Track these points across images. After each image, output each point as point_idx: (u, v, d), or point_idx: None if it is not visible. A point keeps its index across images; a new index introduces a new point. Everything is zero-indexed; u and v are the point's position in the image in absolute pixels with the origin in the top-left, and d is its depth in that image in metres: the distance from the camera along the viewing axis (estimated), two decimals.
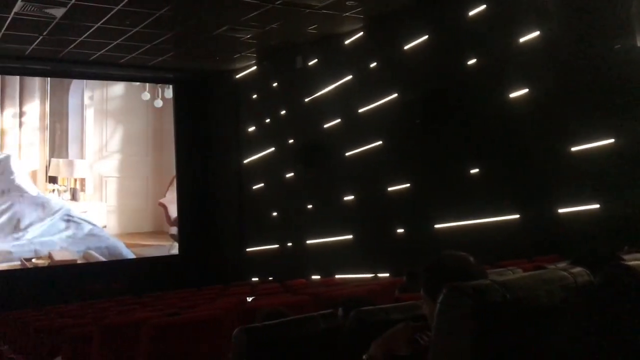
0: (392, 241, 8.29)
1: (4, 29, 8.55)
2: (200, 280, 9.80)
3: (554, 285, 1.20)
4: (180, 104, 12.47)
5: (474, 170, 7.22)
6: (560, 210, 6.33)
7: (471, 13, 7.29)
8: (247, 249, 11.37)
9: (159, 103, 12.41)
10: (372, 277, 8.14)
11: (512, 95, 6.81)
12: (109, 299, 8.25)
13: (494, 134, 7.06)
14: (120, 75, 11.80)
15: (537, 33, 6.60)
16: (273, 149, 10.73)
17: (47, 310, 7.18)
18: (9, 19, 8.15)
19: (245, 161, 11.46)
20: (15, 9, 7.76)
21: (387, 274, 7.99)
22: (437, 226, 7.61)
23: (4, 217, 10.73)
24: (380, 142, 8.53)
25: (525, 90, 6.69)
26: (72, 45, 9.62)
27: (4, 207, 10.76)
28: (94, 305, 7.27)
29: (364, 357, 1.70)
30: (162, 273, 11.35)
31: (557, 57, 6.47)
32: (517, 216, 6.77)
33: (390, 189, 8.34)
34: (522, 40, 6.72)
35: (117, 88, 12.28)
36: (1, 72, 10.96)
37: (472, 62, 7.27)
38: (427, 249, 7.43)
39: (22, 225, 10.82)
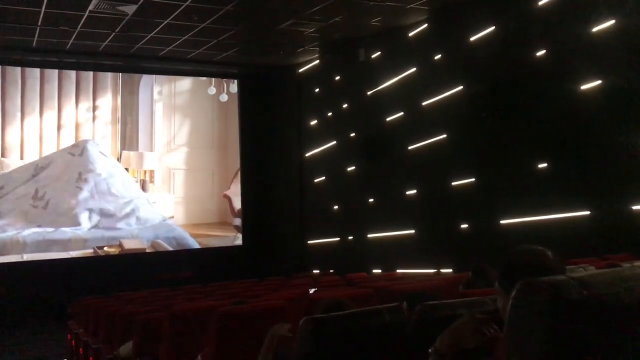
0: (456, 236, 8.16)
1: (79, 26, 8.94)
2: (262, 271, 9.97)
3: (634, 282, 1.16)
4: (244, 98, 12.69)
5: (542, 165, 7.00)
6: (635, 207, 6.05)
7: (540, 2, 7.05)
8: (309, 242, 11.48)
9: (224, 97, 12.67)
10: (434, 272, 8.05)
11: (584, 87, 6.55)
12: (176, 287, 8.52)
13: (563, 127, 6.81)
14: (187, 70, 12.12)
15: (611, 22, 6.32)
16: (335, 142, 10.76)
17: (118, 297, 7.48)
18: (84, 17, 8.51)
19: (307, 154, 11.55)
20: (90, 7, 8.09)
21: (450, 270, 7.89)
22: (502, 222, 7.44)
23: (80, 205, 11.23)
24: (445, 136, 8.41)
25: (598, 82, 6.42)
26: (143, 42, 9.95)
27: (81, 194, 11.24)
28: (161, 293, 7.52)
29: (430, 350, 1.70)
30: (226, 263, 11.63)
31: (633, 47, 6.18)
32: (587, 212, 6.52)
33: (454, 183, 8.21)
34: (595, 29, 6.45)
35: (185, 83, 12.62)
36: (76, 67, 11.45)
37: (541, 53, 7.04)
38: (492, 245, 7.28)
39: (96, 213, 11.30)
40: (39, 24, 8.77)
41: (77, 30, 9.15)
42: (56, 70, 11.45)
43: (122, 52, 10.56)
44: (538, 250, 1.60)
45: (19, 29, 9.11)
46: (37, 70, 11.32)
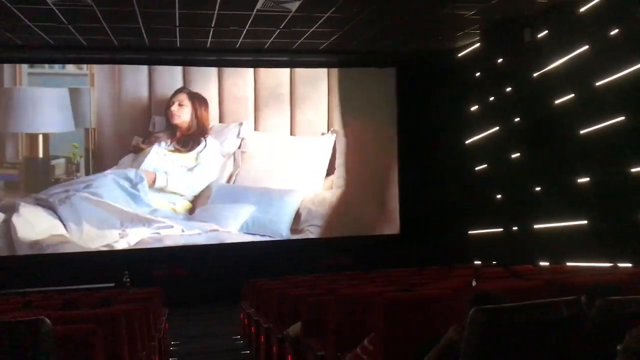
0: (636, 227, 7.45)
1: (247, 25, 9.52)
2: (420, 261, 9.91)
3: None
4: (402, 86, 12.66)
5: None
6: None
7: None
8: (470, 232, 11.19)
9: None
10: (610, 266, 7.43)
11: None
12: (337, 272, 8.79)
13: None
14: (348, 61, 12.35)
15: None
16: (497, 128, 10.34)
17: (285, 280, 7.89)
18: (252, 16, 9.05)
19: (467, 141, 11.24)
20: (258, 5, 8.59)
21: (629, 264, 7.23)
22: None
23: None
24: (622, 118, 7.68)
25: None
26: (304, 37, 10.34)
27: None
28: (324, 278, 7.80)
29: (617, 347, 1.58)
30: (384, 251, 11.73)
31: None
32: None
33: (633, 169, 7.49)
34: None
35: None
36: (241, 65, 12.13)
37: None
38: None
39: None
40: (212, 25, 9.49)
41: (245, 29, 9.75)
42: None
43: (285, 47, 11.06)
44: None
45: (195, 32, 9.94)
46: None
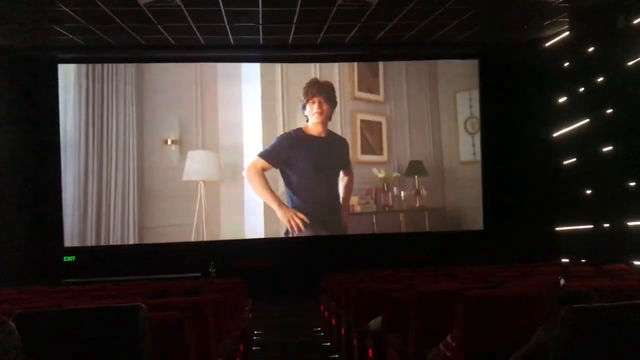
0: None
1: (329, 20, 9.58)
2: (505, 257, 9.65)
3: None
4: (484, 77, 12.34)
5: None
6: None
7: None
8: (556, 228, 10.77)
9: None
10: None
11: None
12: (416, 268, 8.71)
13: None
14: (425, 54, 12.19)
15: None
16: (587, 120, 9.87)
17: (365, 274, 7.90)
18: (333, 11, 9.11)
19: (554, 135, 10.81)
20: (339, 1, 8.62)
21: None
22: None
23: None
24: None
25: None
26: (385, 30, 10.29)
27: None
28: (404, 273, 7.74)
29: None
30: (467, 247, 11.52)
31: None
32: None
33: None
34: None
35: None
36: (323, 60, 12.24)
37: None
38: None
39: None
40: (294, 21, 9.62)
41: (327, 24, 9.82)
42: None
43: (364, 42, 11.05)
44: None
45: (277, 29, 10.11)
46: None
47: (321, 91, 11.80)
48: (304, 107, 11.79)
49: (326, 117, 11.79)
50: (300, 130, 11.82)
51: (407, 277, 6.69)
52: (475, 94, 12.40)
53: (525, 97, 11.57)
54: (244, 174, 11.68)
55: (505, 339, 2.78)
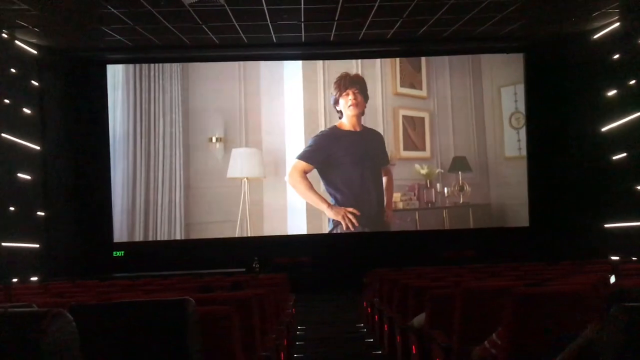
0: None
1: (371, 16, 9.56)
2: (551, 255, 9.46)
3: None
4: (530, 71, 12.08)
5: None
6: None
7: None
8: (605, 225, 10.48)
9: None
10: None
11: None
12: (460, 265, 8.62)
13: None
14: (471, 48, 12.02)
15: None
16: (638, 114, 9.56)
17: (408, 271, 7.87)
18: (375, 7, 9.07)
19: (603, 129, 10.51)
20: None
21: None
22: None
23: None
24: None
25: None
26: (428, 25, 10.19)
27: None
28: (447, 270, 7.68)
29: None
30: (512, 244, 11.33)
31: None
32: None
33: None
34: None
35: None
36: (364, 56, 12.21)
37: None
38: None
39: None
40: (336, 19, 9.63)
41: (368, 20, 9.79)
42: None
43: (407, 37, 10.97)
44: None
45: (318, 26, 10.14)
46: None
47: (354, 83, 11.78)
48: (336, 102, 11.78)
49: (361, 109, 11.75)
50: (335, 127, 11.82)
51: (451, 274, 6.64)
52: (521, 88, 12.18)
53: (572, 90, 11.29)
54: (286, 179, 11.76)
55: (552, 337, 2.73)
